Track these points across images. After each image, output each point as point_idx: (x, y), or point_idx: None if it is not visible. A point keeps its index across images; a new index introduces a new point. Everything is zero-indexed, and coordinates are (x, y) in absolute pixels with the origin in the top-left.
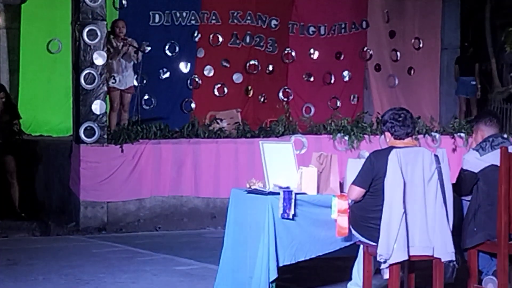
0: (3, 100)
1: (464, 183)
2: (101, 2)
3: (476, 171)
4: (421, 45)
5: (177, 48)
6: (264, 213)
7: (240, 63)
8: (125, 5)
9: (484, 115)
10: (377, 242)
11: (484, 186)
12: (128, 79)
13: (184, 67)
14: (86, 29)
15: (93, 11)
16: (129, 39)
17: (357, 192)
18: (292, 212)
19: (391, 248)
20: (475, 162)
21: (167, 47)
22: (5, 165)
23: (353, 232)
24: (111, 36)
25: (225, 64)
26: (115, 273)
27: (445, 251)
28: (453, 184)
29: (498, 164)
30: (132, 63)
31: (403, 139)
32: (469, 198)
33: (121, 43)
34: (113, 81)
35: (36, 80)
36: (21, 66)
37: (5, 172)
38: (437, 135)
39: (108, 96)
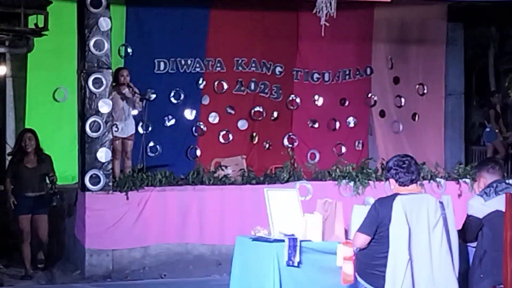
0: (33, 146)
1: (470, 229)
2: (107, 50)
3: (481, 216)
4: (425, 91)
5: (182, 95)
6: (269, 261)
7: (245, 110)
8: (130, 53)
9: (486, 162)
10: None
11: (489, 232)
12: (130, 127)
13: (189, 114)
14: (92, 78)
15: (98, 60)
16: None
17: (362, 239)
18: (297, 259)
19: None
20: (480, 207)
21: (172, 94)
22: (38, 227)
23: (359, 279)
24: (114, 84)
25: (230, 111)
26: None
27: None
28: (458, 231)
29: (503, 209)
30: (135, 110)
31: (408, 185)
32: (474, 244)
33: (127, 90)
34: (116, 129)
35: (42, 128)
36: (27, 114)
37: (36, 232)
38: (442, 181)
39: None
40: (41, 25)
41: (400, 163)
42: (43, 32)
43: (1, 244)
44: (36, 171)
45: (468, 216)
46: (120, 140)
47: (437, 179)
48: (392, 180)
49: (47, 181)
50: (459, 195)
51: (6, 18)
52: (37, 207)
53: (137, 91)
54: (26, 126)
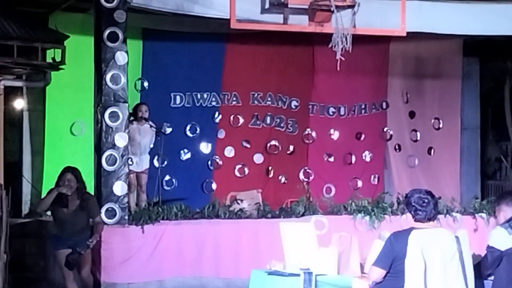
0: (71, 188)
1: (489, 261)
2: (123, 84)
3: (502, 249)
4: (441, 125)
5: (198, 129)
6: None
7: (260, 144)
8: (147, 87)
9: (505, 196)
10: None
11: (508, 266)
12: (145, 162)
13: (205, 148)
14: (108, 111)
15: (115, 94)
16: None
17: (378, 273)
18: None
19: None
20: (503, 239)
21: (188, 128)
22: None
23: None
24: (131, 118)
25: (245, 144)
26: None
27: None
28: (474, 266)
29: None
30: (151, 145)
31: (424, 222)
32: (491, 278)
33: (146, 124)
34: (131, 163)
35: (59, 161)
36: (45, 148)
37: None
38: (458, 216)
39: None
40: (58, 59)
41: (420, 202)
42: (60, 66)
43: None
44: (78, 216)
45: (489, 247)
46: (134, 174)
47: (453, 214)
48: (409, 215)
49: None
50: (475, 230)
51: (24, 52)
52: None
53: (153, 125)
54: (45, 160)
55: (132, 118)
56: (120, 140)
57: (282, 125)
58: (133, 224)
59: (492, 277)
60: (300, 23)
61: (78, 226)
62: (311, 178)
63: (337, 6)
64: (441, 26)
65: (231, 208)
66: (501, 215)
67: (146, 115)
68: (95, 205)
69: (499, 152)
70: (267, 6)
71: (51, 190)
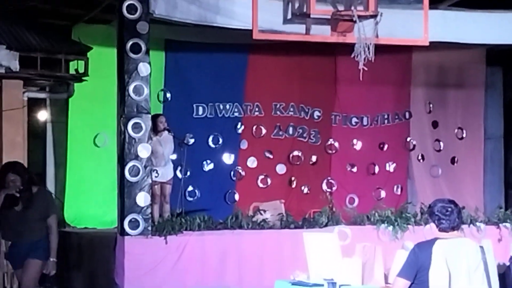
0: (17, 186)
1: None
2: (146, 95)
3: None
4: (464, 135)
5: (221, 140)
6: None
7: (283, 154)
8: (169, 98)
9: None
10: None
11: None
12: (169, 172)
13: (228, 159)
14: (131, 122)
15: (138, 105)
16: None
17: (402, 284)
18: None
19: None
20: None
21: (210, 139)
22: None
23: None
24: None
25: (268, 155)
26: None
27: None
28: (499, 276)
29: None
30: (173, 155)
31: (448, 232)
32: None
33: (166, 133)
34: (156, 175)
35: (82, 173)
36: (68, 159)
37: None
38: (482, 226)
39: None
40: (81, 70)
41: (443, 211)
42: (83, 78)
43: None
44: (26, 213)
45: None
46: (159, 184)
47: (477, 224)
48: (432, 224)
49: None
50: (499, 240)
51: (47, 64)
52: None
53: (172, 133)
54: (68, 172)
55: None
56: (143, 151)
57: (304, 135)
58: (156, 235)
59: None
60: (322, 33)
61: (29, 224)
62: (334, 188)
63: (359, 16)
64: (464, 35)
65: (254, 219)
66: None
67: (165, 125)
68: (47, 201)
69: None
70: (289, 16)
71: None
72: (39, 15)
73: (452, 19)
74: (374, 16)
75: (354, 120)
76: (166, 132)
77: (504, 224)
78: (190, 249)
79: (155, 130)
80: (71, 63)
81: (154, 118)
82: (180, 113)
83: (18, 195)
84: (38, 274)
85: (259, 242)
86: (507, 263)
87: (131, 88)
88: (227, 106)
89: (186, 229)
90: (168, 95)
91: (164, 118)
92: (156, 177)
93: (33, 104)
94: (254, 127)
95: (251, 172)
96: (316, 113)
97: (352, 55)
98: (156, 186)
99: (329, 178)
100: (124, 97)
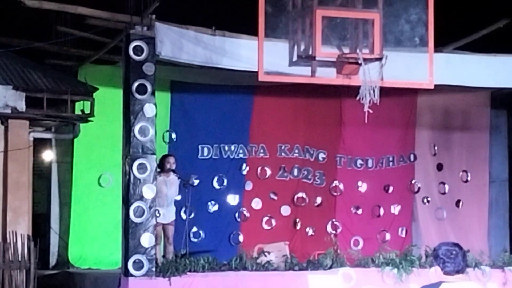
0: None
1: None
2: (151, 136)
3: None
4: (469, 178)
5: (225, 181)
6: None
7: (288, 196)
8: (175, 139)
9: None
10: None
11: None
12: (171, 214)
13: (232, 200)
14: (136, 163)
15: (143, 146)
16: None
17: None
18: None
19: None
20: None
21: (215, 180)
22: None
23: None
24: (158, 170)
25: (273, 196)
26: None
27: None
28: None
29: None
30: (178, 196)
31: (453, 275)
32: None
33: (172, 175)
34: (158, 215)
35: (86, 213)
36: (73, 199)
37: None
38: (487, 269)
39: None
40: (87, 111)
41: (448, 254)
42: (89, 118)
43: None
44: None
45: None
46: (161, 225)
47: (482, 267)
48: (437, 268)
49: None
50: (504, 283)
51: (53, 105)
52: None
53: (179, 176)
54: (72, 211)
55: (158, 169)
56: (148, 191)
57: (309, 177)
58: (160, 276)
59: None
60: (328, 76)
61: None
62: (338, 230)
63: (365, 59)
64: (469, 78)
65: (258, 260)
66: None
67: (174, 166)
68: None
69: None
70: (294, 58)
71: None
72: (45, 56)
73: (457, 62)
74: (379, 59)
75: (359, 162)
76: (172, 173)
77: (509, 267)
78: None
79: (162, 169)
80: (77, 103)
81: (164, 157)
82: (185, 154)
83: None
84: None
85: (263, 284)
86: None
87: (136, 128)
88: (232, 147)
89: (190, 270)
90: (174, 136)
91: (173, 159)
92: (158, 217)
93: (39, 144)
94: (259, 168)
95: (256, 214)
96: (321, 155)
97: (358, 98)
98: (158, 227)
99: (333, 220)
100: (130, 138)
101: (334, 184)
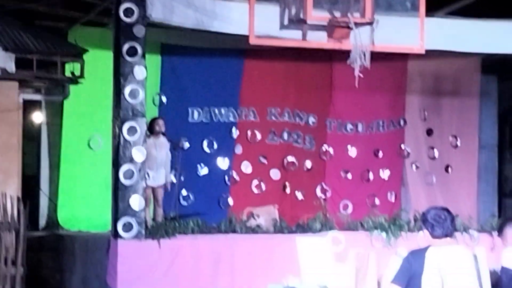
0: None
1: (504, 283)
2: (141, 99)
3: None
4: (458, 143)
5: (215, 145)
6: None
7: (277, 160)
8: (165, 102)
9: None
10: None
11: None
12: (160, 177)
13: (222, 163)
14: (126, 126)
15: (133, 108)
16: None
17: None
18: None
19: None
20: None
21: (205, 143)
22: None
23: None
24: (148, 133)
25: (262, 160)
26: None
27: None
28: (492, 284)
29: None
30: (166, 159)
31: (441, 239)
32: None
33: (162, 138)
34: (147, 177)
35: (76, 175)
36: (62, 162)
37: None
38: (475, 233)
39: None
40: (77, 73)
41: (437, 218)
42: (79, 80)
43: None
44: None
45: (503, 268)
46: (151, 188)
47: (470, 231)
48: (426, 232)
49: None
50: (492, 248)
51: (43, 66)
52: None
53: (169, 139)
54: (61, 174)
55: (148, 132)
56: (138, 154)
57: (299, 141)
58: (149, 238)
59: None
60: (318, 40)
61: None
62: (328, 194)
63: (356, 23)
64: (460, 44)
65: (247, 224)
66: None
67: (163, 129)
68: None
69: None
70: (285, 22)
71: None
72: (36, 17)
73: (448, 27)
74: (370, 23)
75: (349, 126)
76: (162, 136)
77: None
78: (183, 253)
79: (151, 132)
80: (67, 65)
81: (153, 120)
82: (175, 117)
83: None
84: None
85: (252, 247)
86: (499, 272)
87: (126, 91)
88: (222, 111)
89: (179, 233)
90: (164, 99)
91: (162, 122)
92: (147, 180)
93: (28, 106)
94: (249, 132)
95: (245, 177)
96: (311, 119)
97: (348, 62)
98: (148, 190)
99: (323, 184)
100: (120, 100)
101: (324, 149)
